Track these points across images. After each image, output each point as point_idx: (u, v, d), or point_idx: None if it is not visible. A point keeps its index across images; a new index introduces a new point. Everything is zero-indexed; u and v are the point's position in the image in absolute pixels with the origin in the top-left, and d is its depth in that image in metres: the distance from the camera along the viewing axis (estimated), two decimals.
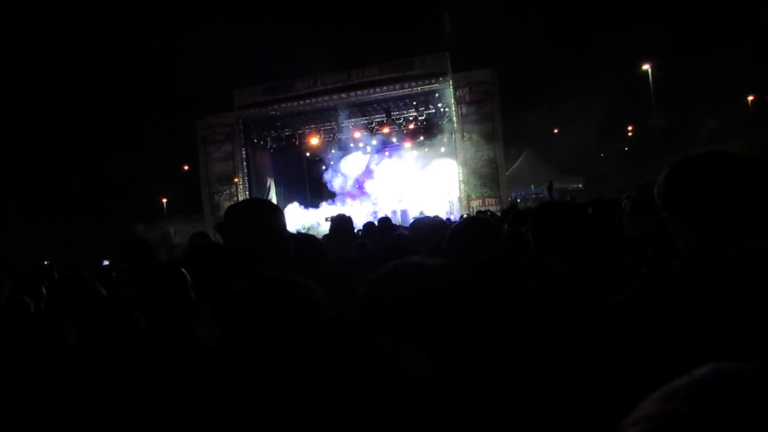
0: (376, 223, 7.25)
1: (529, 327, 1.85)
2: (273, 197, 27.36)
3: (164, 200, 39.34)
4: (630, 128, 44.45)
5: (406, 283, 1.43)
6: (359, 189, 29.01)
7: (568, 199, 15.97)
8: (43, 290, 3.44)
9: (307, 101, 25.23)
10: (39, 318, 2.73)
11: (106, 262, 15.73)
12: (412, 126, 26.54)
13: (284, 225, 2.18)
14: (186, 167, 35.60)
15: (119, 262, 4.16)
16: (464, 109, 23.61)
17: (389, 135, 26.81)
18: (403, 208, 23.03)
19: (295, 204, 26.93)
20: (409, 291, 1.41)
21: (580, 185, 27.04)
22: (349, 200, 27.59)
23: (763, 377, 0.42)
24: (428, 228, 3.80)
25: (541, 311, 1.94)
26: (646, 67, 30.23)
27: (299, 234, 3.30)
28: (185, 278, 2.75)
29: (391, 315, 1.41)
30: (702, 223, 1.47)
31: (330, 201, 28.00)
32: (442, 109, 25.45)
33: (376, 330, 1.45)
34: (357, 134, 27.18)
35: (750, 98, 39.39)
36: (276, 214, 2.15)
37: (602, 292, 1.90)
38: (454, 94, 23.59)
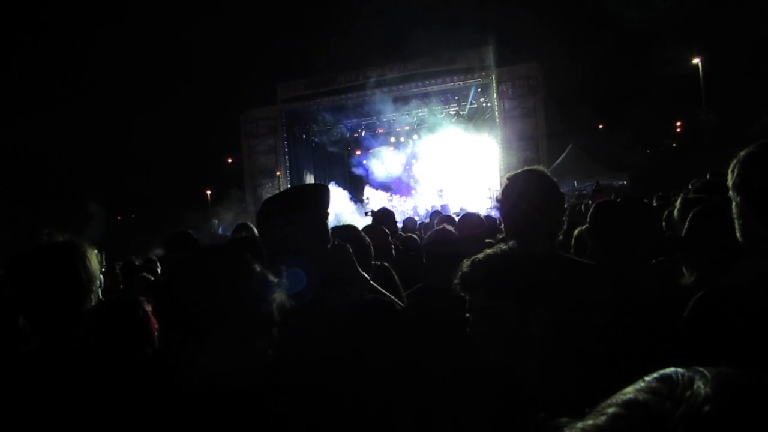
0: (416, 218, 7.41)
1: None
2: None
3: (208, 192, 40.05)
4: (679, 124, 43.14)
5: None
6: (400, 184, 28.99)
7: (612, 196, 15.58)
8: (101, 277, 3.57)
9: (349, 95, 25.36)
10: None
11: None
12: (453, 120, 26.37)
13: (316, 216, 2.04)
14: (230, 160, 36.18)
15: (166, 253, 4.31)
16: (507, 104, 23.34)
17: (430, 129, 26.69)
18: (444, 203, 22.90)
19: (332, 184, 26.99)
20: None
21: (625, 182, 26.34)
22: (390, 194, 27.57)
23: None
24: (475, 222, 4.03)
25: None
26: (696, 60, 29.28)
27: (340, 226, 3.25)
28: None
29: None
30: None
31: (373, 188, 27.99)
32: (484, 104, 25.19)
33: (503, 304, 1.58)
34: (398, 128, 27.15)
35: None
36: (306, 207, 2.03)
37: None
38: (497, 89, 23.33)
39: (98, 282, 1.87)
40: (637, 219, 2.81)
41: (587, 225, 3.00)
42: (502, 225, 2.29)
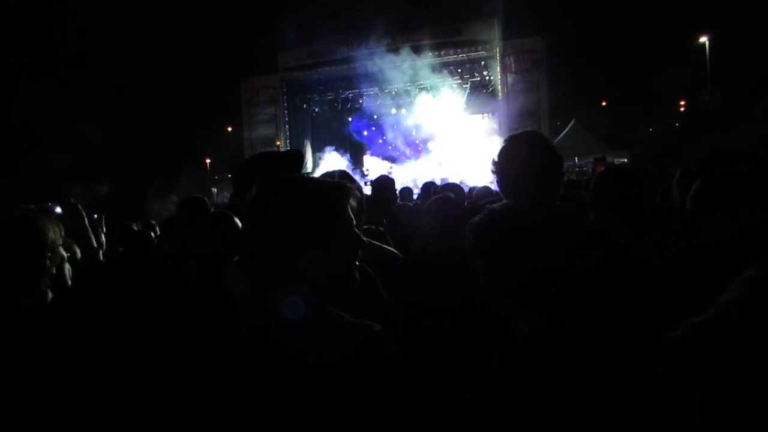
0: (415, 189, 7.42)
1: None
2: (310, 161, 27.56)
3: (208, 161, 39.82)
4: (682, 102, 42.82)
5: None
6: (401, 154, 28.89)
7: None
8: (103, 238, 3.59)
9: (351, 65, 25.10)
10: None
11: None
12: (456, 92, 26.14)
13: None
14: (229, 128, 35.91)
15: (177, 215, 4.39)
16: (510, 78, 23.14)
17: (433, 100, 26.50)
18: (444, 176, 22.82)
19: (329, 150, 27.07)
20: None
21: (626, 159, 26.26)
22: (390, 165, 27.49)
23: None
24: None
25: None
26: (703, 39, 28.94)
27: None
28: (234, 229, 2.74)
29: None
30: None
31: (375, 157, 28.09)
32: (487, 77, 24.96)
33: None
34: (400, 99, 26.94)
35: None
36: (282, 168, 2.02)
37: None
38: (500, 62, 23.10)
39: (52, 252, 1.91)
40: (639, 188, 2.79)
41: (590, 193, 2.99)
42: (498, 189, 2.26)
